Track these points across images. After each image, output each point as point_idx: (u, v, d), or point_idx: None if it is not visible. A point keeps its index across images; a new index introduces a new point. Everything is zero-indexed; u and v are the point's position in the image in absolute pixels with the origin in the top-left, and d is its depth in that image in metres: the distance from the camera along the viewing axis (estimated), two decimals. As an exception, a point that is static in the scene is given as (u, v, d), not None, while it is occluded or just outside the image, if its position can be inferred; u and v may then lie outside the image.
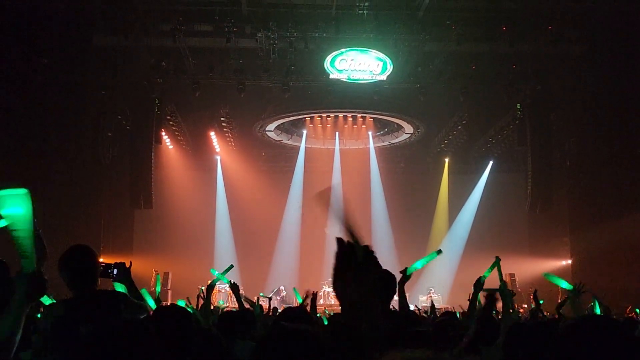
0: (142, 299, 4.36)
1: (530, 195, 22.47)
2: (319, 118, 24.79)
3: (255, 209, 25.81)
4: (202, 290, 13.37)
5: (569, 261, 22.51)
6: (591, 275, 18.22)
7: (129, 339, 2.10)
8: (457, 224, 25.71)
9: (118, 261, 4.48)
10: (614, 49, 18.83)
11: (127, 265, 4.39)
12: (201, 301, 9.95)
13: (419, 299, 19.84)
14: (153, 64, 19.81)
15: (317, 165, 26.43)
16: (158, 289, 9.91)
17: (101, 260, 4.38)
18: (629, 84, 19.19)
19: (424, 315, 11.05)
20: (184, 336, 2.88)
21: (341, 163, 25.98)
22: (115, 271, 4.26)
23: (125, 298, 3.93)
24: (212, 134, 24.80)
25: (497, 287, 5.54)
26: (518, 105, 21.95)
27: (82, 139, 20.41)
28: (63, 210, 18.59)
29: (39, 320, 3.86)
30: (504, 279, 6.12)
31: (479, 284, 5.52)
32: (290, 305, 16.28)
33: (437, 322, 5.27)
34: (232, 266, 8.50)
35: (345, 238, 1.77)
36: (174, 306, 4.02)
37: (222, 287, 22.17)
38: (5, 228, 2.59)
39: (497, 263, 5.89)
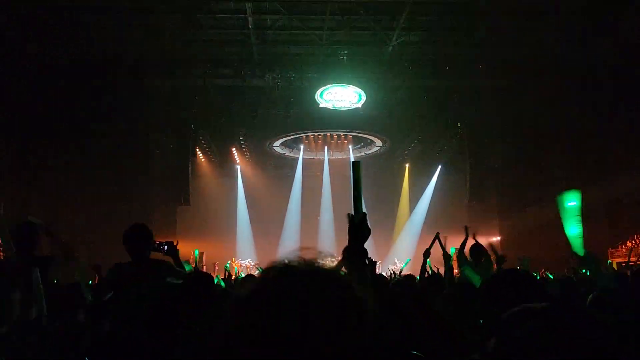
0: (183, 268, 4.40)
1: (468, 190, 22.60)
2: (312, 136, 24.91)
3: (266, 205, 25.88)
4: (227, 266, 13.40)
5: (498, 238, 22.56)
6: (514, 248, 18.32)
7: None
8: (415, 213, 25.76)
9: (169, 240, 4.55)
10: (527, 85, 19.01)
11: (175, 243, 4.44)
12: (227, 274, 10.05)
13: (388, 267, 19.80)
14: (189, 99, 19.91)
15: (311, 172, 26.52)
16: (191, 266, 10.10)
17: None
18: (535, 107, 19.44)
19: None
20: (208, 293, 2.89)
21: (329, 169, 26.01)
22: (165, 247, 4.30)
23: (169, 266, 3.94)
24: (234, 149, 24.89)
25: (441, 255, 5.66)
26: (459, 124, 22.07)
27: (135, 156, 20.41)
28: (127, 208, 18.54)
29: (108, 273, 3.90)
30: (448, 252, 6.16)
31: (426, 254, 5.59)
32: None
33: (399, 280, 5.29)
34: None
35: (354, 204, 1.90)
36: (202, 272, 4.04)
37: (244, 263, 22.22)
38: None
39: (437, 237, 6.00)
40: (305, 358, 0.76)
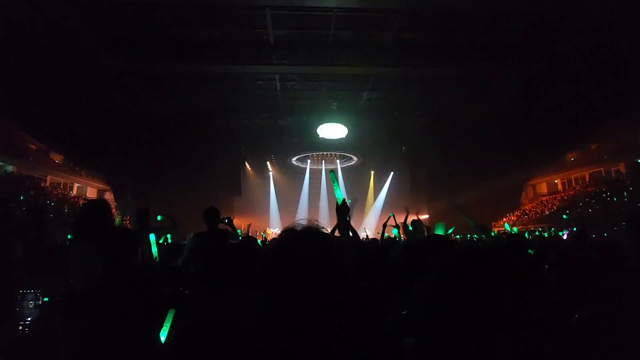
0: (237, 233, 4.37)
1: (409, 187, 22.63)
2: (315, 155, 24.85)
3: (286, 196, 25.72)
4: (263, 234, 13.15)
5: (427, 216, 22.57)
6: (436, 221, 18.22)
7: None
8: (377, 201, 25.70)
9: (228, 216, 4.52)
10: (443, 125, 19.02)
11: (232, 218, 4.44)
12: (263, 238, 9.86)
13: (360, 234, 19.78)
14: (241, 132, 19.97)
15: (314, 176, 26.40)
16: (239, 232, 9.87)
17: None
18: (449, 139, 19.45)
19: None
20: (252, 249, 2.91)
21: (325, 175, 25.96)
22: (226, 220, 4.28)
23: (229, 233, 3.92)
24: (267, 162, 24.88)
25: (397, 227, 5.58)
26: (403, 147, 22.12)
27: (209, 167, 20.36)
28: (202, 197, 18.54)
29: (190, 240, 3.76)
30: (398, 223, 6.13)
31: (384, 225, 5.57)
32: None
33: (367, 241, 5.28)
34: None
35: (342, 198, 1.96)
36: (250, 236, 4.03)
37: (273, 231, 22.12)
38: None
39: (391, 215, 5.98)
40: (299, 278, 0.84)
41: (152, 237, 3.09)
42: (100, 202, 2.46)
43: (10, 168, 16.91)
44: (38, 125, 17.11)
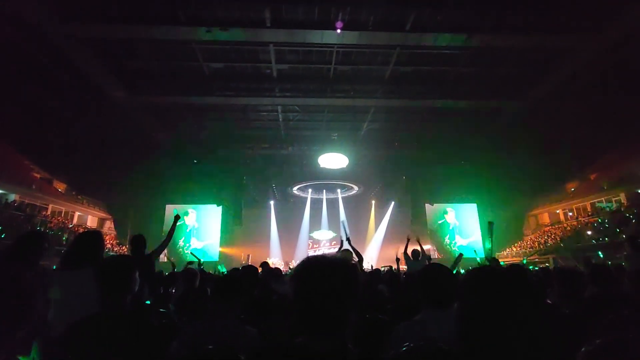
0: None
1: (411, 217, 22.46)
2: (317, 184, 24.85)
3: (287, 225, 25.36)
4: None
5: (430, 246, 22.18)
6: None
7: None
8: (378, 231, 25.32)
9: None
10: (435, 156, 19.13)
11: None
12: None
13: (363, 266, 19.40)
14: (243, 162, 20.14)
15: (315, 206, 26.24)
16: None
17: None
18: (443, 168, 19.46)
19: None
20: (253, 277, 2.86)
21: (326, 204, 25.83)
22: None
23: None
24: (268, 191, 24.81)
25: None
26: (404, 177, 22.18)
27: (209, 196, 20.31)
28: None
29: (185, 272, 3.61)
30: (398, 255, 6.05)
31: (397, 260, 5.49)
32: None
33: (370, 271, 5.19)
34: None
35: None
36: (251, 265, 3.93)
37: (273, 261, 21.72)
38: None
39: (405, 247, 5.90)
40: (318, 293, 0.98)
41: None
42: (94, 232, 2.47)
43: (12, 196, 16.93)
44: (43, 154, 17.34)
